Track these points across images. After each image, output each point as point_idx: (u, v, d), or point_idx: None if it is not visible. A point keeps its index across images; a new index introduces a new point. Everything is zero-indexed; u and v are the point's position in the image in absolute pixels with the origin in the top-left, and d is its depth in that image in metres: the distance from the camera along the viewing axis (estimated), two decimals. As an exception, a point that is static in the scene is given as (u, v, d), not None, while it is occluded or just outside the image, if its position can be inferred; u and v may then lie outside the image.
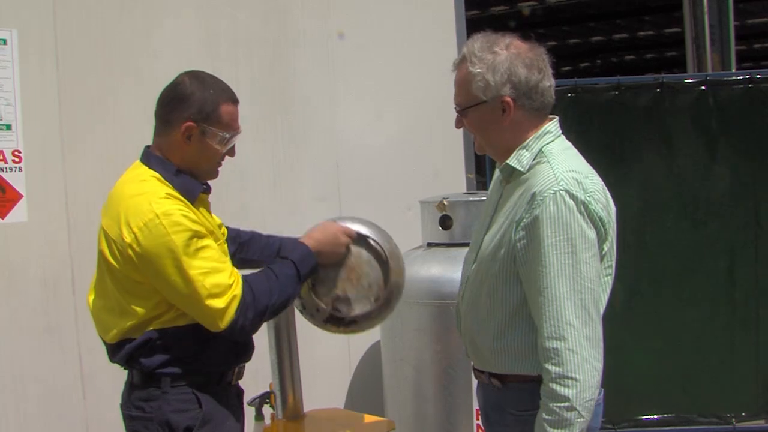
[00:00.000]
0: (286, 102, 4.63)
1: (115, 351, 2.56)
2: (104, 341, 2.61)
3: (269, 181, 4.52)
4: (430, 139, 5.03)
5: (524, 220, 2.23)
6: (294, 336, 3.09)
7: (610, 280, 2.35)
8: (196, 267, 2.40)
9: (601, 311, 2.30)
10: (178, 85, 2.56)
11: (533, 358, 2.26)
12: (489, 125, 2.36)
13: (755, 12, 15.32)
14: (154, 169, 2.52)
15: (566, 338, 2.16)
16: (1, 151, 3.77)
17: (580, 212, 2.18)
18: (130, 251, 2.40)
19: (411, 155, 5.00)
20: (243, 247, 2.96)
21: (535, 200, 2.21)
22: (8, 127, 3.79)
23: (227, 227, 2.97)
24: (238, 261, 2.89)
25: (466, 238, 3.61)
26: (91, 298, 2.62)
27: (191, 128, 2.51)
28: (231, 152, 2.63)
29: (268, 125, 4.52)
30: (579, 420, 2.16)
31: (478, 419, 3.24)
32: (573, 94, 4.82)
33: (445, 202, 3.80)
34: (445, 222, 3.82)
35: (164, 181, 2.50)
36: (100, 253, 2.52)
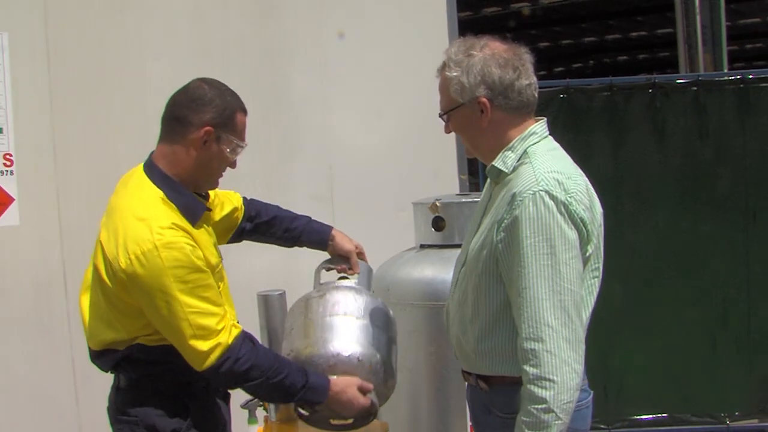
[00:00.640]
0: (279, 104, 4.62)
1: (98, 356, 2.54)
2: (87, 343, 2.60)
3: (262, 183, 4.51)
4: (422, 140, 5.03)
5: (505, 221, 2.22)
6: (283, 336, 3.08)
7: (596, 282, 2.33)
8: (187, 305, 2.36)
9: (586, 314, 2.29)
10: (196, 89, 2.51)
11: (518, 359, 2.25)
12: (470, 127, 2.37)
13: (747, 13, 15.39)
14: (158, 186, 2.46)
15: (544, 339, 2.15)
16: (-7, 154, 3.77)
17: (560, 213, 2.17)
18: (123, 276, 2.36)
19: (404, 157, 5.00)
20: (260, 228, 2.94)
21: (515, 201, 2.20)
22: (0, 130, 3.78)
23: (249, 201, 2.95)
24: (255, 239, 2.92)
25: (459, 239, 3.60)
26: (83, 298, 2.59)
27: (209, 133, 2.46)
28: (233, 164, 2.59)
29: (261, 127, 4.51)
30: (557, 422, 2.14)
31: (470, 420, 3.24)
32: (565, 95, 4.82)
33: (438, 204, 3.79)
34: (438, 223, 3.81)
35: (168, 201, 2.44)
36: (95, 266, 2.48)
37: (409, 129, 5.02)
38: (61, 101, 3.92)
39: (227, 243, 2.92)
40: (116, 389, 2.57)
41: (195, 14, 4.36)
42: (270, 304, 3.11)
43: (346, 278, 2.94)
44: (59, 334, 3.86)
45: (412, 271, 3.75)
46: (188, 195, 2.50)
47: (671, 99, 4.81)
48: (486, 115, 2.31)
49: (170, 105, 2.53)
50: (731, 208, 4.83)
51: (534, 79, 2.36)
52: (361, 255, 2.96)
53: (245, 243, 3.00)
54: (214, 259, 2.53)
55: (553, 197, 2.17)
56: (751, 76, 4.85)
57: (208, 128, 2.46)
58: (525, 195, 2.19)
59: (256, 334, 2.70)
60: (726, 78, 4.98)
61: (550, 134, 2.41)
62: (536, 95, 2.37)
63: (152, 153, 2.55)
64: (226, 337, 2.41)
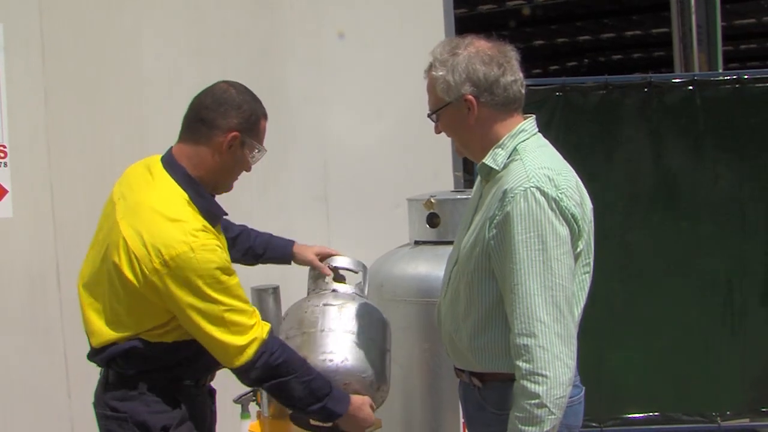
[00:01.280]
0: (275, 100, 4.60)
1: (97, 353, 2.53)
2: (89, 340, 2.58)
3: (257, 180, 4.50)
4: (418, 137, 5.01)
5: (496, 217, 2.23)
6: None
7: (588, 278, 2.35)
8: (223, 303, 2.38)
9: (578, 309, 2.30)
10: (224, 93, 2.49)
11: (511, 356, 2.25)
12: (458, 126, 2.38)
13: (742, 13, 15.41)
14: (182, 187, 2.45)
15: (536, 335, 2.15)
16: (-14, 146, 3.75)
17: (552, 209, 2.18)
18: (156, 277, 2.35)
19: (399, 153, 4.99)
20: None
21: (507, 197, 2.21)
22: (-7, 122, 3.77)
23: None
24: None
25: (453, 236, 3.57)
26: (84, 293, 2.55)
27: (236, 138, 2.47)
28: (249, 168, 2.60)
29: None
30: (550, 417, 2.16)
31: (463, 417, 3.24)
32: (561, 93, 4.82)
33: (432, 200, 3.79)
34: (433, 220, 3.81)
35: (191, 203, 2.44)
36: (113, 263, 2.42)
37: (405, 125, 5.01)
38: (55, 93, 3.91)
39: None
40: (104, 385, 2.54)
41: (192, 9, 4.34)
42: (264, 299, 3.12)
43: (343, 279, 2.92)
44: (52, 327, 3.86)
45: (407, 267, 3.75)
46: (209, 198, 2.51)
47: (667, 98, 4.82)
48: (473, 112, 2.33)
49: (195, 106, 2.51)
50: (726, 208, 4.84)
51: (520, 75, 2.37)
52: (322, 257, 2.99)
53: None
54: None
55: (544, 193, 2.18)
56: (746, 77, 4.86)
57: (235, 133, 2.46)
58: (516, 191, 2.20)
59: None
60: (722, 78, 4.99)
61: (539, 131, 2.42)
62: (523, 92, 2.38)
63: (171, 149, 2.53)
64: (261, 332, 2.45)
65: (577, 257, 2.27)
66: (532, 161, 2.27)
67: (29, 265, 3.83)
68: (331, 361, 2.65)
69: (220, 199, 3.21)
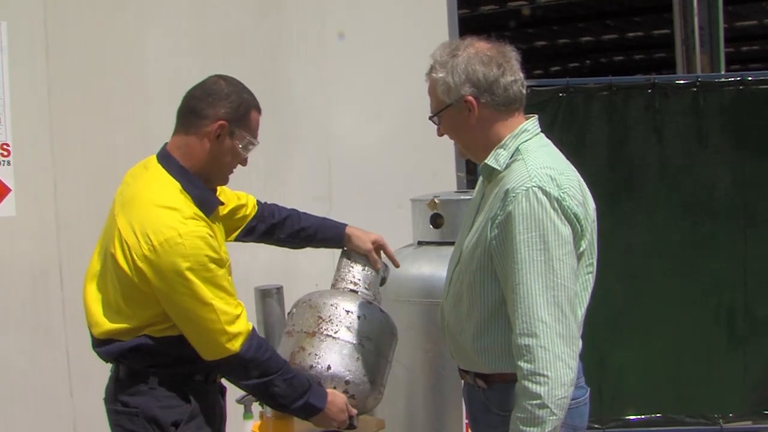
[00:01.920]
0: (279, 99, 4.61)
1: (100, 344, 2.53)
2: (90, 332, 2.59)
3: (261, 179, 4.50)
4: (421, 137, 5.01)
5: (498, 217, 2.23)
6: (282, 333, 3.07)
7: (591, 278, 2.34)
8: (211, 291, 2.39)
9: (581, 310, 2.29)
10: (213, 84, 2.54)
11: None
12: (459, 127, 2.38)
13: (744, 15, 15.41)
14: (175, 177, 2.48)
15: (538, 335, 2.15)
16: (-10, 144, 3.75)
17: (554, 208, 2.18)
18: (144, 263, 2.37)
19: (402, 154, 4.99)
20: (273, 229, 2.96)
21: (508, 197, 2.21)
22: (-3, 120, 3.77)
23: (263, 204, 2.98)
24: (268, 240, 2.94)
25: (456, 236, 3.59)
26: (88, 287, 2.58)
27: (224, 127, 2.49)
28: (245, 162, 2.62)
29: (260, 123, 4.50)
30: (551, 418, 2.15)
31: (467, 418, 3.24)
32: (564, 94, 4.82)
33: (436, 201, 3.78)
34: (436, 220, 3.80)
35: (185, 192, 2.46)
36: (111, 254, 2.46)
37: (408, 125, 5.01)
38: (59, 91, 3.91)
39: (234, 241, 2.94)
40: (115, 380, 2.56)
41: (195, 8, 4.34)
42: (267, 299, 3.11)
43: (356, 285, 2.89)
44: (55, 325, 3.86)
45: (410, 268, 3.75)
46: (203, 188, 2.52)
47: (670, 99, 4.82)
48: (473, 113, 2.33)
49: (187, 98, 2.55)
50: (729, 209, 4.84)
51: (520, 75, 2.37)
52: (379, 249, 2.95)
53: (245, 237, 2.99)
54: (225, 255, 2.54)
55: (546, 193, 2.18)
56: (750, 78, 4.86)
57: (222, 122, 2.49)
58: (518, 191, 2.19)
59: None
60: (725, 79, 4.99)
61: (542, 132, 2.41)
62: (524, 92, 2.38)
63: (166, 144, 2.57)
64: (246, 324, 2.45)
65: (579, 257, 2.26)
66: (535, 161, 2.26)
67: (32, 263, 3.83)
68: (332, 369, 2.64)
69: (225, 199, 3.16)
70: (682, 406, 4.87)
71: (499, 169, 2.32)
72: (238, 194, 2.94)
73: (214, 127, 2.49)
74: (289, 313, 2.85)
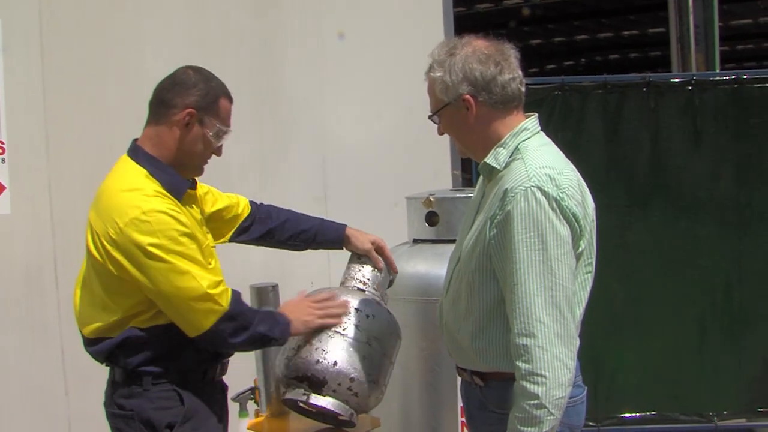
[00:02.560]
0: (275, 97, 4.61)
1: (91, 344, 2.54)
2: (81, 333, 2.59)
3: (256, 177, 4.50)
4: (417, 135, 5.02)
5: (497, 216, 2.23)
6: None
7: (589, 278, 2.34)
8: (181, 263, 2.38)
9: (579, 309, 2.30)
10: (181, 74, 2.57)
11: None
12: (458, 126, 2.38)
13: (739, 13, 15.42)
14: (141, 165, 2.50)
15: (536, 335, 2.15)
16: (-16, 142, 3.74)
17: (552, 208, 2.17)
18: (113, 247, 2.38)
19: (398, 152, 4.99)
20: (272, 232, 2.96)
21: (507, 197, 2.21)
22: (-9, 118, 3.76)
23: (258, 204, 2.99)
24: (268, 243, 2.95)
25: (452, 234, 3.59)
26: (77, 290, 2.60)
27: (192, 114, 2.51)
28: (219, 151, 2.62)
29: (256, 120, 4.50)
30: (549, 418, 2.15)
31: (463, 416, 3.24)
32: (560, 92, 4.82)
33: (431, 199, 3.78)
34: (432, 218, 3.80)
35: (152, 177, 2.48)
36: (87, 250, 2.50)
37: (404, 124, 5.01)
38: (54, 89, 3.90)
39: (229, 242, 2.95)
40: (111, 383, 2.57)
41: (192, 7, 4.34)
42: (263, 297, 3.11)
43: (364, 285, 2.88)
44: (50, 323, 3.85)
45: (405, 265, 3.74)
46: (172, 173, 2.53)
47: (665, 98, 4.82)
48: (471, 111, 2.33)
49: (156, 90, 2.58)
50: (724, 208, 4.84)
51: (519, 73, 2.36)
52: (380, 250, 2.94)
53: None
54: (199, 235, 2.54)
55: (544, 193, 2.18)
56: (745, 77, 4.86)
57: (190, 110, 2.51)
58: (517, 191, 2.19)
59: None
60: (720, 78, 4.99)
61: (542, 130, 2.41)
62: (523, 90, 2.38)
63: (135, 140, 2.59)
64: (225, 288, 2.46)
65: (578, 257, 2.27)
66: (534, 160, 2.26)
67: (27, 261, 3.83)
68: (336, 368, 2.63)
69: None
70: (677, 404, 4.88)
71: (499, 167, 2.32)
72: (228, 195, 2.95)
73: (182, 115, 2.50)
74: None
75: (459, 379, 2.54)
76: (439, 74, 2.34)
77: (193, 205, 2.64)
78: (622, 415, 4.88)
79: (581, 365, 2.39)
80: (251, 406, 3.19)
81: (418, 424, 3.72)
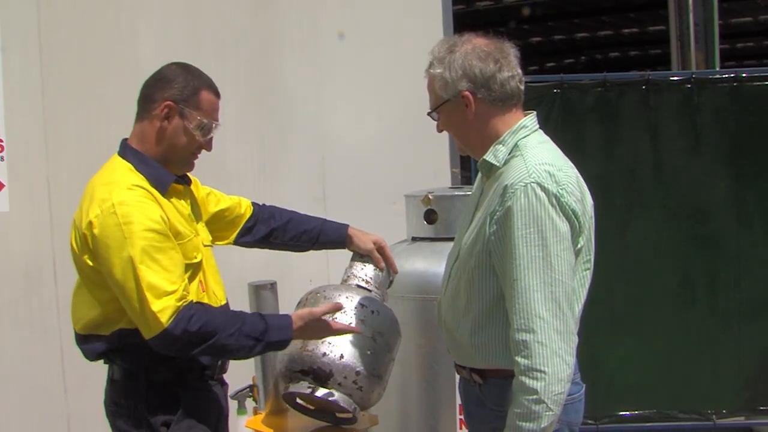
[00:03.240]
0: (273, 95, 4.60)
1: (83, 341, 2.55)
2: (74, 329, 2.59)
3: (254, 176, 4.50)
4: (415, 133, 5.02)
5: (497, 213, 2.24)
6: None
7: (588, 274, 2.35)
8: (140, 261, 2.33)
9: (578, 306, 2.30)
10: (165, 70, 2.58)
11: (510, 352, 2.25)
12: (457, 123, 2.39)
13: (739, 11, 15.42)
14: (127, 160, 2.52)
15: (535, 331, 2.15)
16: (-17, 140, 3.74)
17: (552, 205, 2.18)
18: (87, 239, 2.39)
19: (396, 150, 4.99)
20: (275, 233, 2.96)
21: (507, 193, 2.21)
22: (-10, 115, 3.77)
23: (261, 205, 2.99)
24: (271, 245, 2.94)
25: (450, 232, 3.59)
26: (74, 291, 2.60)
27: (171, 107, 2.51)
28: (208, 145, 2.61)
29: (254, 119, 4.50)
30: (548, 413, 2.15)
31: (461, 414, 3.24)
32: (559, 90, 4.81)
33: (430, 197, 3.78)
34: (430, 216, 3.80)
35: (135, 171, 2.49)
36: (71, 245, 2.50)
37: (402, 122, 5.01)
38: (52, 87, 3.90)
39: (234, 244, 2.96)
40: (110, 381, 2.58)
41: (190, 5, 4.33)
42: (261, 295, 3.11)
43: (366, 284, 2.89)
44: (48, 321, 3.85)
45: (404, 263, 3.74)
46: (156, 166, 2.53)
47: (665, 96, 4.81)
48: (470, 108, 2.34)
49: (142, 88, 2.60)
50: (723, 206, 4.84)
51: (518, 71, 2.38)
52: (381, 250, 2.94)
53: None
54: (182, 228, 2.51)
55: (544, 189, 2.18)
56: (744, 75, 4.85)
57: (168, 102, 2.51)
58: (517, 187, 2.20)
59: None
60: (720, 76, 4.99)
61: (540, 128, 2.42)
62: (522, 87, 2.39)
63: (126, 138, 2.61)
64: (177, 300, 2.35)
65: (577, 253, 2.27)
66: (533, 157, 2.27)
67: (25, 259, 3.83)
68: (342, 362, 2.63)
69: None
70: (675, 401, 4.88)
71: (498, 165, 2.33)
72: (231, 197, 2.96)
73: (161, 108, 2.51)
74: (299, 303, 2.84)
75: (457, 376, 2.54)
76: (438, 71, 2.35)
77: (182, 200, 2.63)
78: (621, 413, 4.88)
79: (580, 363, 2.39)
80: (250, 403, 3.19)
81: (416, 421, 3.72)
